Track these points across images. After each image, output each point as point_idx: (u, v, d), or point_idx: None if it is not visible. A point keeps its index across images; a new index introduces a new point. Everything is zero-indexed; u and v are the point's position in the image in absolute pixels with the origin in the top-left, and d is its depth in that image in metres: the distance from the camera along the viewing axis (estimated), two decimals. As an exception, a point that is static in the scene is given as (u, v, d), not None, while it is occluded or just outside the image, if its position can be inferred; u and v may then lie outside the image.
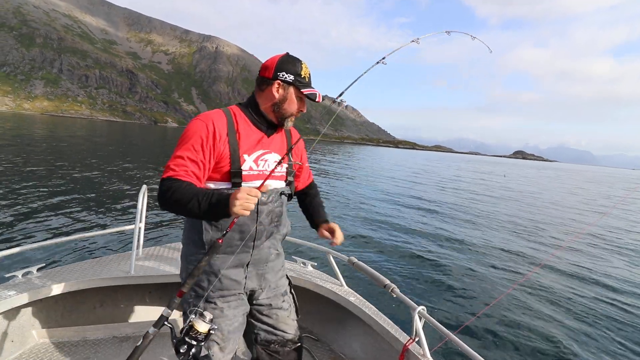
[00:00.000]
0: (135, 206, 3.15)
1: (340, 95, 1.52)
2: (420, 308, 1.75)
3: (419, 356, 1.73)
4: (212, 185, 1.42)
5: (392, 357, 1.95)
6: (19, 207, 7.53)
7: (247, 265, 1.51)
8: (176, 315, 2.37)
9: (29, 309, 2.18)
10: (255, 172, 1.46)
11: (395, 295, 1.93)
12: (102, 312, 2.50)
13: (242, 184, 1.42)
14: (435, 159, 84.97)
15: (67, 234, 6.18)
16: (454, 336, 1.59)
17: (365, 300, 2.32)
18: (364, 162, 39.21)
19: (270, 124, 1.50)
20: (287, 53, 1.49)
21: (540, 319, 4.56)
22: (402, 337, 1.91)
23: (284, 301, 1.66)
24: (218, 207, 1.21)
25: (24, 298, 2.01)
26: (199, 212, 1.24)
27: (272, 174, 1.44)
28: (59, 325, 2.35)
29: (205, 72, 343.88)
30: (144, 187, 2.53)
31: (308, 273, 2.63)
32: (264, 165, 1.49)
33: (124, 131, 61.59)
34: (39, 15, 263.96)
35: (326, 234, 1.71)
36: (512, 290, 5.30)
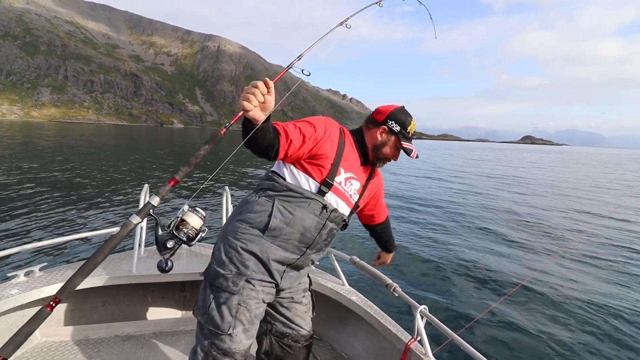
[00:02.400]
0: (137, 205, 3.18)
1: (300, 57, 1.48)
2: (422, 307, 1.76)
3: (421, 355, 1.75)
4: (303, 179, 1.48)
5: (394, 357, 1.96)
6: (21, 206, 7.56)
7: (288, 265, 1.55)
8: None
9: (32, 308, 2.20)
10: (341, 190, 1.54)
11: (397, 295, 1.94)
12: (104, 311, 2.51)
13: (328, 194, 1.50)
14: (441, 147, 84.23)
15: (69, 233, 6.17)
16: (456, 335, 1.60)
17: (367, 299, 2.33)
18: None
19: (366, 159, 1.63)
20: (403, 106, 1.63)
21: (545, 319, 4.46)
22: (404, 336, 1.92)
23: (304, 297, 1.71)
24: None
25: (26, 297, 2.02)
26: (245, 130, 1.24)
27: (347, 198, 1.58)
28: (61, 325, 2.36)
29: (208, 71, 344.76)
30: (146, 186, 2.58)
31: (310, 272, 2.78)
32: (349, 187, 1.56)
33: (130, 134, 62.07)
34: (42, 23, 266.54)
35: (380, 260, 2.19)
36: (517, 290, 5.16)
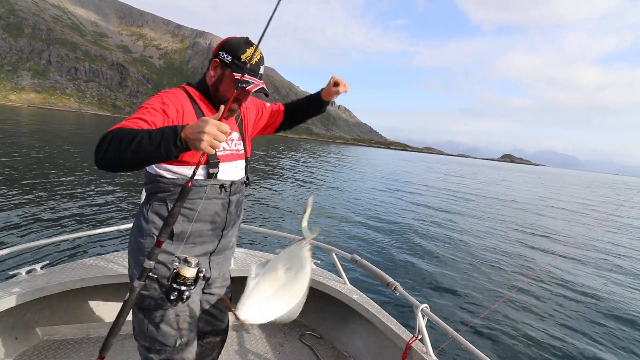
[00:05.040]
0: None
1: (259, 42, 1.26)
2: (424, 306, 1.75)
3: (422, 354, 1.74)
4: (184, 169, 1.28)
5: (395, 355, 1.95)
6: (22, 205, 7.43)
7: (210, 254, 1.45)
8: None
9: (33, 306, 2.21)
10: (228, 153, 1.38)
11: (398, 294, 1.92)
12: (105, 309, 2.51)
13: (221, 164, 1.33)
14: (433, 161, 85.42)
15: (71, 232, 6.12)
16: (457, 334, 1.59)
17: (368, 298, 2.33)
18: (358, 162, 39.19)
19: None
20: (247, 38, 1.33)
21: (545, 320, 4.62)
22: (405, 335, 1.91)
23: (226, 287, 1.63)
24: (175, 139, 0.99)
25: (28, 296, 2.02)
26: (149, 147, 1.00)
27: (236, 156, 1.42)
28: (62, 323, 2.36)
29: (197, 68, 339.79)
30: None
31: (311, 271, 2.59)
32: (232, 145, 1.41)
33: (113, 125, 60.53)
34: (28, 4, 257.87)
35: (334, 89, 1.59)
36: (517, 290, 5.36)
